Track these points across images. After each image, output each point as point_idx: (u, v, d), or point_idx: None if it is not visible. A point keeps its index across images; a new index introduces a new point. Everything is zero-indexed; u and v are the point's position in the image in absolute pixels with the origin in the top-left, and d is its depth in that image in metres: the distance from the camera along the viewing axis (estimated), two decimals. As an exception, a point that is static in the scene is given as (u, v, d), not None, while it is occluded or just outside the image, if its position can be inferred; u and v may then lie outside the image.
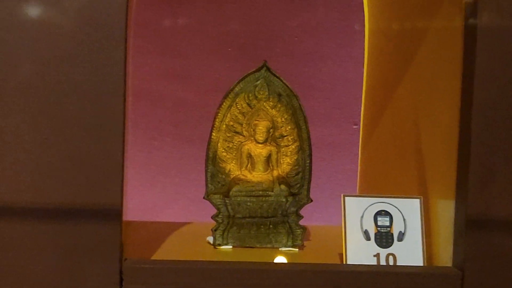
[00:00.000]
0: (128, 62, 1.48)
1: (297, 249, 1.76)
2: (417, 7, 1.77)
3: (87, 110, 1.43)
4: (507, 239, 1.50)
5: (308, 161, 1.78)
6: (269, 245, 1.77)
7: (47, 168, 1.43)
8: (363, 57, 2.16)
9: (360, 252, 1.59)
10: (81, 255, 1.45)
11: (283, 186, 1.75)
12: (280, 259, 1.65)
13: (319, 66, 2.36)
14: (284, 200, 1.76)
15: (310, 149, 1.77)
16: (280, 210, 1.77)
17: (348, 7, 2.25)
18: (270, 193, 1.76)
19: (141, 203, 2.34)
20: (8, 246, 1.44)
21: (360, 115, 2.18)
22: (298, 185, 1.78)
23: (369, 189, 2.10)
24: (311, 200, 1.78)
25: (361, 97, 2.19)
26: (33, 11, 1.40)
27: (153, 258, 1.62)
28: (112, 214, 1.43)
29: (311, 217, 1.81)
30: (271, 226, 1.77)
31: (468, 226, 1.47)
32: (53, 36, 1.41)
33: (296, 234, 1.77)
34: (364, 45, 2.15)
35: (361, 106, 2.17)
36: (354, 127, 2.38)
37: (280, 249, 1.76)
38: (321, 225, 2.10)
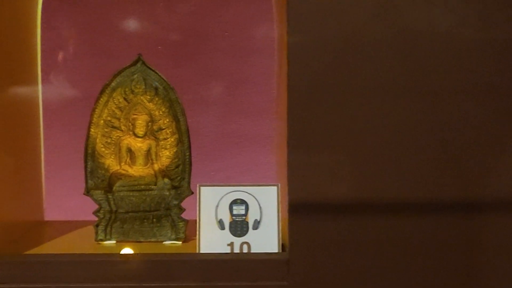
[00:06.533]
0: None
1: (180, 242, 1.75)
2: None
3: None
4: (329, 222, 1.43)
5: (187, 154, 1.77)
6: (153, 239, 1.77)
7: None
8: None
9: (214, 241, 1.56)
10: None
11: (166, 180, 1.75)
12: (126, 250, 1.64)
13: (252, 60, 2.33)
14: (167, 193, 1.75)
15: (189, 142, 1.76)
16: (163, 203, 1.76)
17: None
18: (153, 186, 1.76)
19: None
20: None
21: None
22: (179, 177, 1.77)
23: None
24: (192, 192, 1.76)
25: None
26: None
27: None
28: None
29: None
30: (154, 220, 1.77)
31: (291, 210, 1.42)
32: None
33: (179, 227, 1.76)
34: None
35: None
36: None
37: (164, 242, 1.76)
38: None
